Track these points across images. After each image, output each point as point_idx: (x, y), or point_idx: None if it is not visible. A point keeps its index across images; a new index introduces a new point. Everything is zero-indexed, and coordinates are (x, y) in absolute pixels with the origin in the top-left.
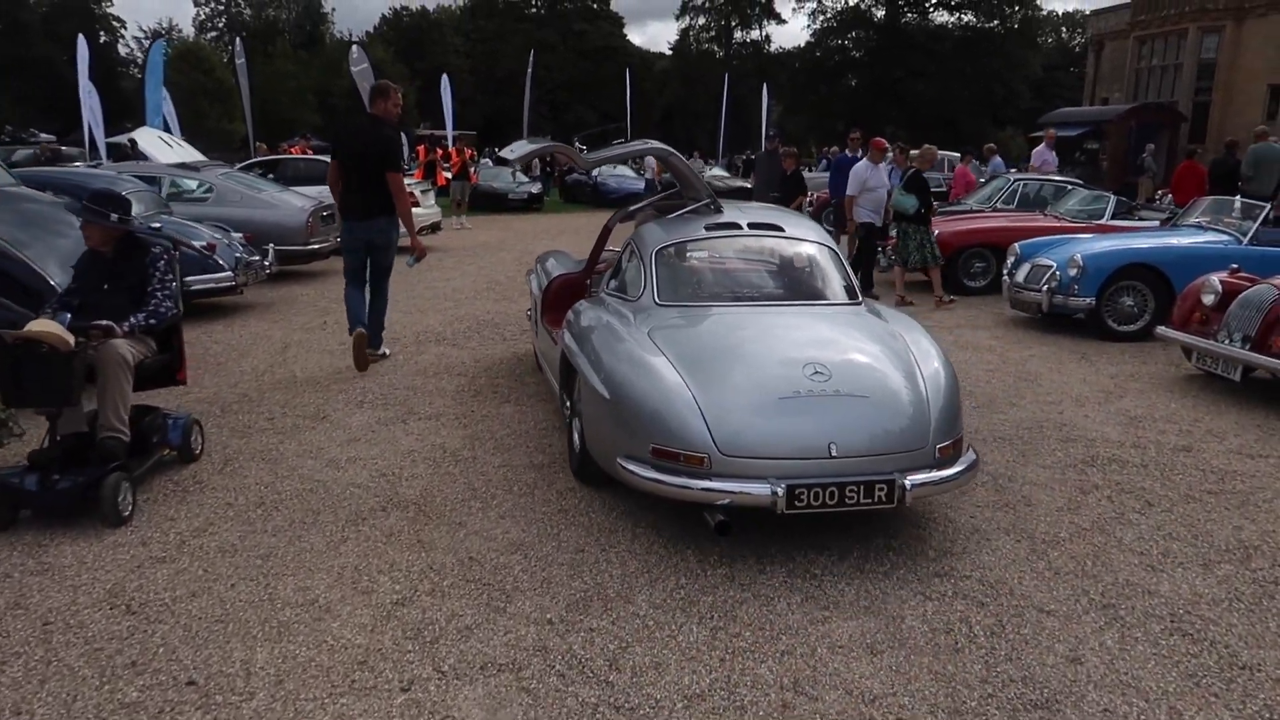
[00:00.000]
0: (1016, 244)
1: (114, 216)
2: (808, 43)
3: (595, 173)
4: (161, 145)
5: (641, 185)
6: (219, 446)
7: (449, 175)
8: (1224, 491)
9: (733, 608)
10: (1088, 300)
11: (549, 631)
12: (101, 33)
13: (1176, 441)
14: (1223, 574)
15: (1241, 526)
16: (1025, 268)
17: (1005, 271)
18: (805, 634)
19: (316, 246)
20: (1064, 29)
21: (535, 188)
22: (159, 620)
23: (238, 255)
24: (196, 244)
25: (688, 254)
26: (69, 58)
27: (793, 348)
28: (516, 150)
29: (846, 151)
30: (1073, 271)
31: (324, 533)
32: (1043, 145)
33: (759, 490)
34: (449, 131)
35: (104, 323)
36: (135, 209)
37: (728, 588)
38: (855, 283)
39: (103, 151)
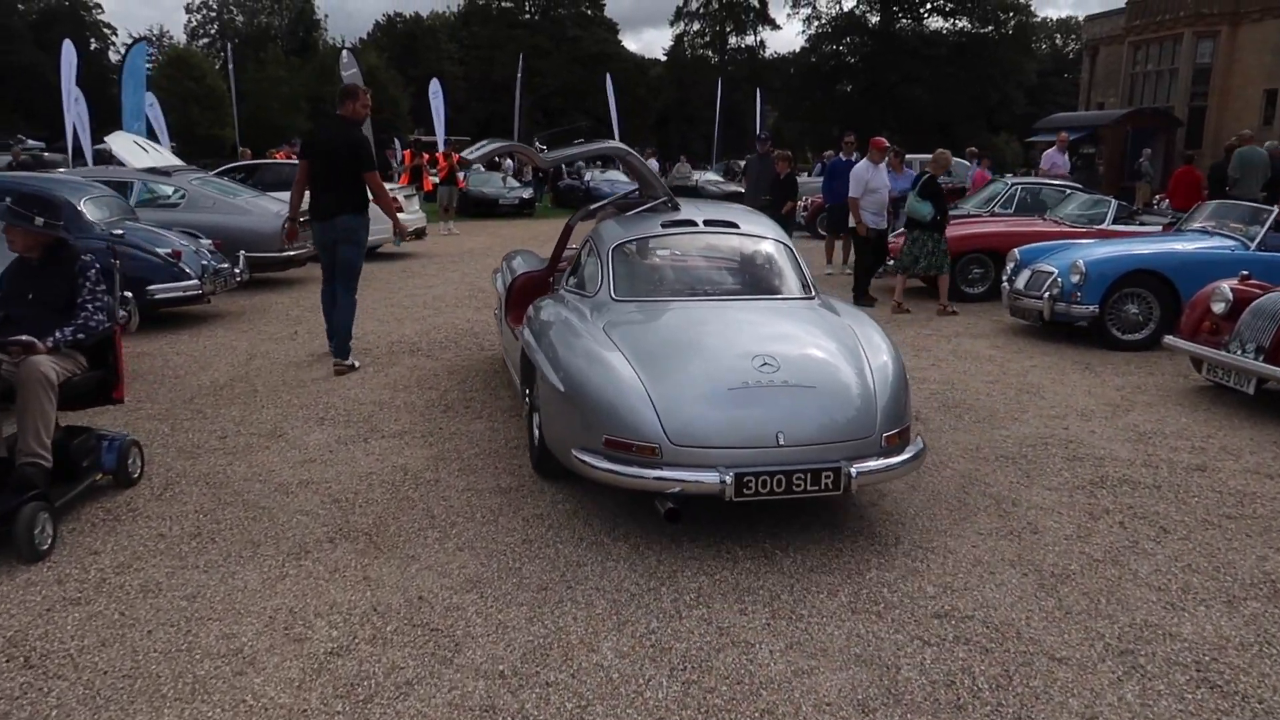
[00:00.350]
0: (1016, 250)
1: (39, 220)
2: (802, 48)
3: (587, 177)
4: (136, 150)
5: (635, 189)
6: (162, 469)
7: (435, 180)
8: (1244, 516)
9: (709, 656)
10: (1091, 308)
11: (500, 687)
12: (92, 39)
13: (1190, 460)
14: (1250, 612)
15: (1266, 556)
16: (1025, 274)
17: (1005, 278)
18: (789, 688)
19: (292, 253)
20: (1058, 35)
21: (526, 193)
22: (59, 675)
23: (204, 263)
24: (161, 251)
25: (644, 250)
26: (57, 64)
27: (743, 341)
28: (477, 150)
29: (840, 155)
30: (1075, 278)
31: (261, 568)
32: (1053, 149)
33: (708, 478)
34: (440, 137)
35: (23, 338)
36: (97, 215)
37: (704, 632)
38: (810, 279)
39: (89, 157)
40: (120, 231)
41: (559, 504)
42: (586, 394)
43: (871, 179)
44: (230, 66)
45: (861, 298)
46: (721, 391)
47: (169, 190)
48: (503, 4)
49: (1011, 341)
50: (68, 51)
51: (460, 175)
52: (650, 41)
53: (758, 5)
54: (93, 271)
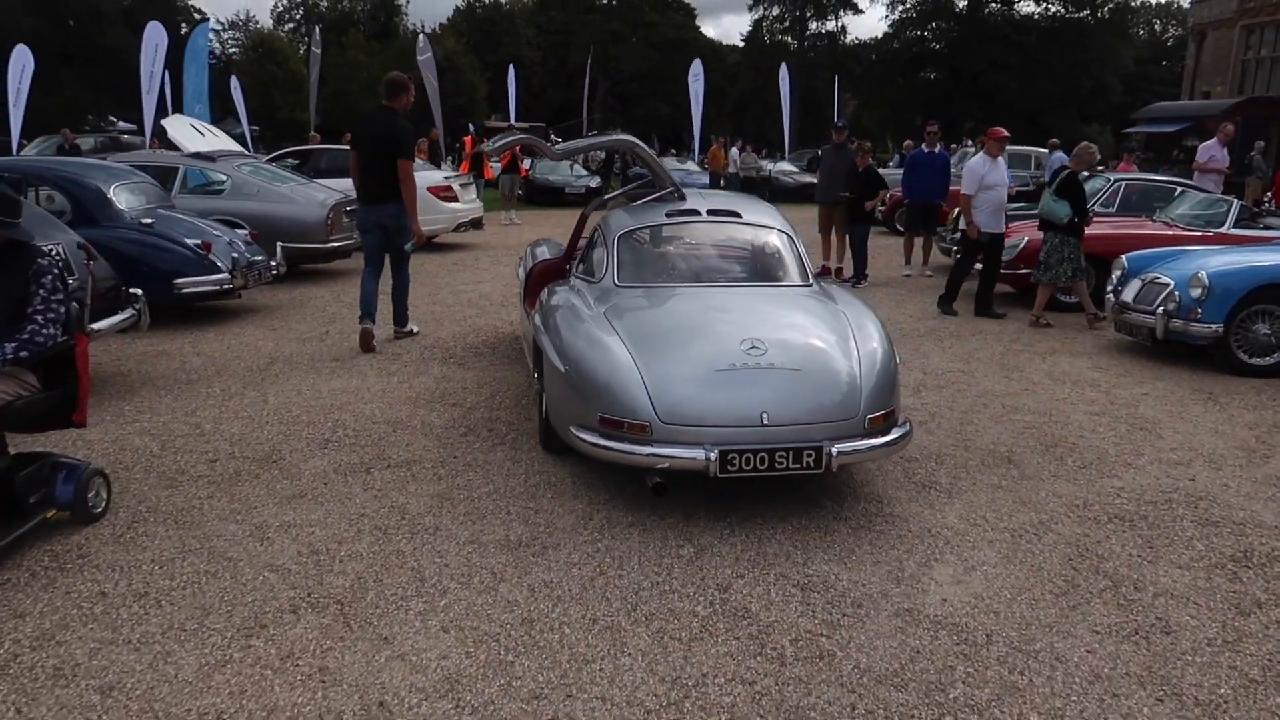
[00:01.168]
0: (1123, 256)
1: None
2: (885, 34)
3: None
4: (192, 134)
5: (706, 180)
6: (133, 500)
7: (497, 168)
8: None
9: None
10: (1214, 327)
11: None
12: (183, 24)
13: None
14: None
15: None
16: (1134, 285)
17: (1109, 288)
18: None
19: (337, 244)
20: (1157, 21)
21: (594, 182)
22: None
23: (235, 255)
24: (190, 242)
25: (648, 239)
26: (154, 48)
27: (735, 325)
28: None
29: (923, 146)
30: (1195, 292)
31: (202, 649)
32: (1213, 141)
33: (695, 455)
34: (512, 123)
35: None
36: (130, 202)
37: None
38: (808, 264)
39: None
40: (150, 220)
41: (574, 567)
42: (584, 374)
43: (989, 175)
44: (317, 50)
45: (948, 305)
46: (710, 373)
47: (215, 176)
48: None
49: (1117, 363)
50: (153, 33)
51: (524, 163)
52: (729, 28)
53: None
54: (48, 278)
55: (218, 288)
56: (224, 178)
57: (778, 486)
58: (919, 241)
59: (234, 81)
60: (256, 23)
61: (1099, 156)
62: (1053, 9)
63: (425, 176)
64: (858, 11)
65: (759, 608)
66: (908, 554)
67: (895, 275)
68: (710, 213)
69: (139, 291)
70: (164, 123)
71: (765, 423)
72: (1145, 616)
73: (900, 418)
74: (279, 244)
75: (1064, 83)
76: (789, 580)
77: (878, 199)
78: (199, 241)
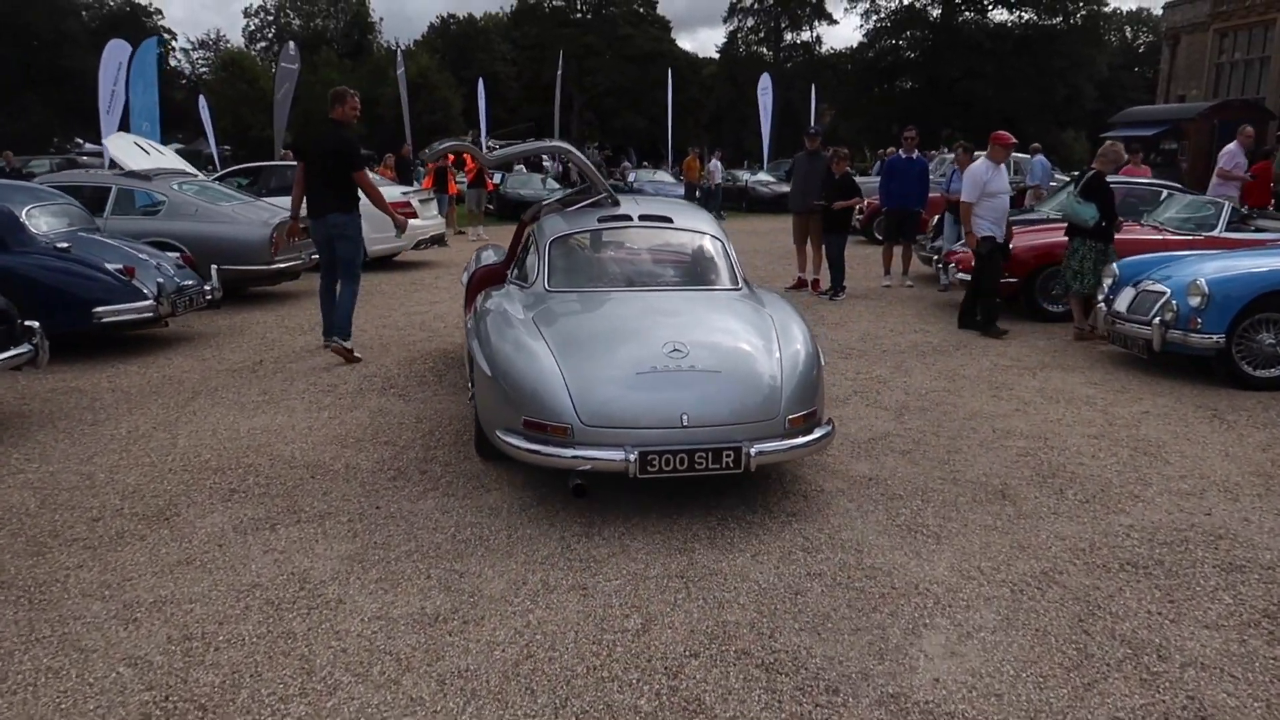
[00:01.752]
0: (1113, 264)
1: None
2: (860, 43)
3: (632, 178)
4: (135, 152)
5: (681, 190)
6: None
7: (462, 183)
8: None
9: None
10: (1216, 338)
11: None
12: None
13: None
14: None
15: None
16: (1127, 293)
17: (1100, 297)
18: None
19: (283, 265)
20: (1128, 27)
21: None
22: None
23: (162, 280)
24: (111, 267)
25: (580, 244)
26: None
27: (659, 329)
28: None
29: (900, 152)
30: (1195, 300)
31: None
32: (1234, 144)
33: (615, 456)
34: (483, 138)
35: None
36: (48, 225)
37: None
38: (739, 269)
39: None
40: (67, 245)
41: (497, 648)
42: (509, 378)
43: (991, 181)
44: (289, 66)
45: (990, 326)
46: (631, 376)
47: (152, 196)
48: (554, 3)
49: (1113, 377)
50: (115, 50)
51: (490, 177)
52: (704, 41)
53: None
54: None
55: (141, 315)
56: (160, 198)
57: (742, 536)
58: (898, 251)
59: (201, 101)
60: (228, 42)
61: (1125, 157)
62: (1026, 16)
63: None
64: (832, 22)
65: (714, 699)
66: (892, 618)
67: (875, 286)
68: (642, 218)
69: (35, 324)
70: (106, 141)
71: (685, 424)
72: (1174, 695)
73: (823, 418)
74: (214, 267)
75: (1039, 89)
76: (751, 659)
77: (851, 202)
78: (120, 266)
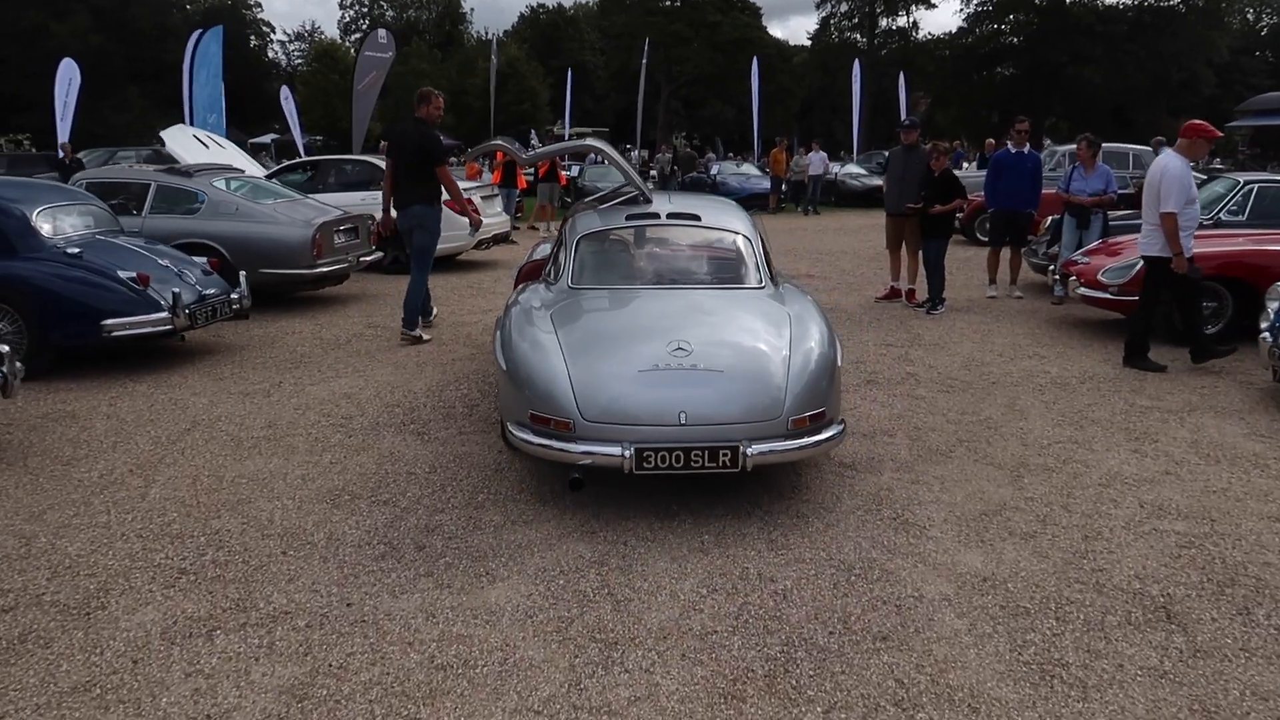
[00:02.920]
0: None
1: None
2: (960, 28)
3: (714, 171)
4: (194, 146)
5: (767, 184)
6: None
7: (531, 178)
8: None
9: None
10: None
11: None
12: (251, 37)
13: None
14: None
15: None
16: None
17: (1264, 324)
18: None
19: (326, 269)
20: (1249, 9)
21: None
22: None
23: (176, 290)
24: (123, 275)
25: (607, 241)
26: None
27: (668, 327)
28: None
29: (1009, 145)
30: None
31: None
32: None
33: (612, 452)
34: (566, 128)
35: None
36: (63, 227)
37: None
38: (766, 268)
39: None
40: (77, 250)
41: None
42: (520, 372)
43: (1193, 184)
44: (381, 55)
45: (1202, 355)
46: (633, 374)
47: (190, 193)
48: None
49: None
50: (206, 42)
51: (566, 170)
52: (795, 28)
53: None
54: None
55: (156, 328)
56: (201, 195)
57: (814, 679)
58: (1006, 257)
59: (284, 92)
60: (322, 34)
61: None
62: None
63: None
64: (930, 6)
65: None
66: None
67: (978, 297)
68: (670, 216)
69: (6, 349)
70: (163, 134)
71: (683, 422)
72: None
73: (835, 417)
74: (242, 274)
75: (1152, 74)
76: None
77: (952, 206)
78: (133, 274)
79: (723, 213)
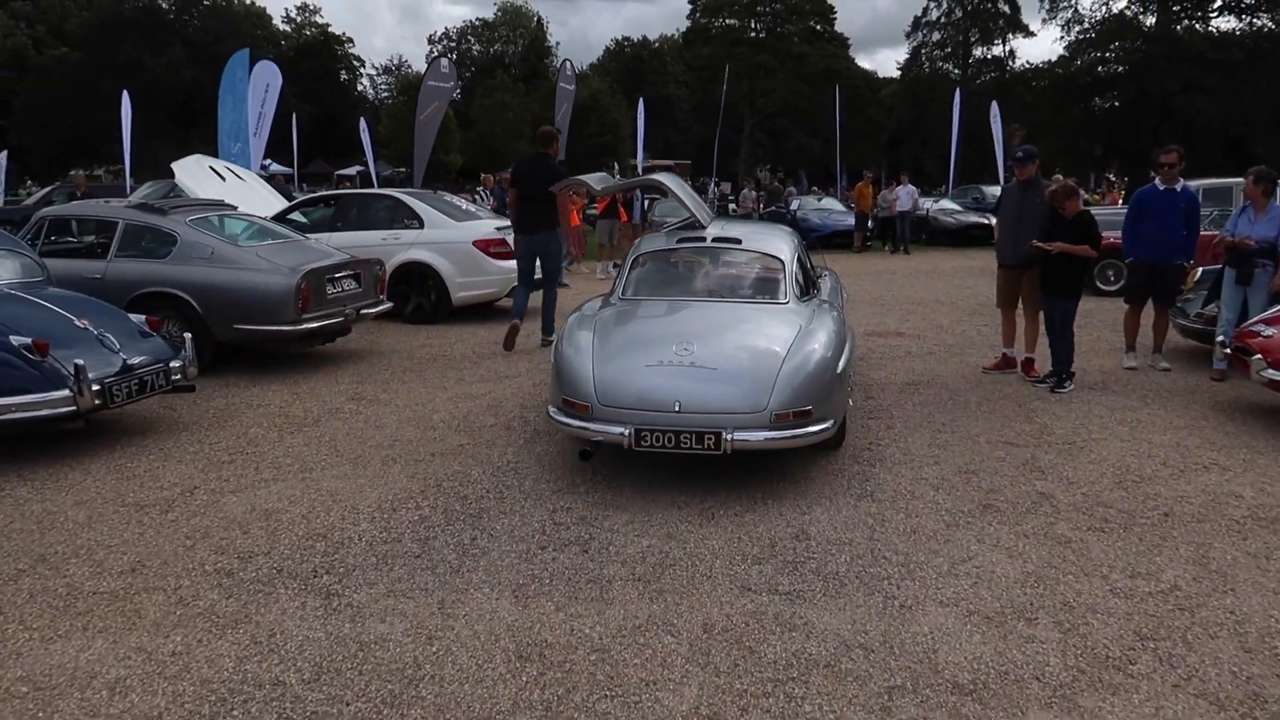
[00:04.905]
0: None
1: None
2: (1060, 56)
3: (795, 206)
4: (208, 178)
5: (851, 220)
6: None
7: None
8: None
9: None
10: None
11: None
12: (342, 71)
13: None
14: None
15: None
16: None
17: None
18: None
19: (314, 325)
20: None
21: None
22: None
23: (79, 362)
24: (16, 341)
25: (658, 261)
26: (265, 87)
27: (681, 332)
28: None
29: (1156, 181)
30: None
31: None
32: None
33: (616, 430)
34: (640, 159)
35: None
36: None
37: None
38: (795, 286)
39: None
40: None
41: None
42: (560, 367)
43: None
44: (452, 82)
45: None
46: (641, 368)
47: (162, 233)
48: (726, 22)
49: None
50: (263, 72)
51: (625, 207)
52: (883, 60)
53: (1008, 10)
54: None
55: (51, 411)
56: (172, 236)
57: None
58: (1148, 317)
59: (362, 124)
60: (409, 67)
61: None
62: (1259, 23)
63: (468, 228)
64: (1029, 34)
65: None
66: None
67: (1111, 368)
68: (715, 239)
69: None
70: (174, 165)
71: (678, 410)
72: None
73: (827, 417)
74: (187, 336)
75: (1273, 104)
76: None
77: (1081, 249)
78: (28, 340)
79: (765, 237)
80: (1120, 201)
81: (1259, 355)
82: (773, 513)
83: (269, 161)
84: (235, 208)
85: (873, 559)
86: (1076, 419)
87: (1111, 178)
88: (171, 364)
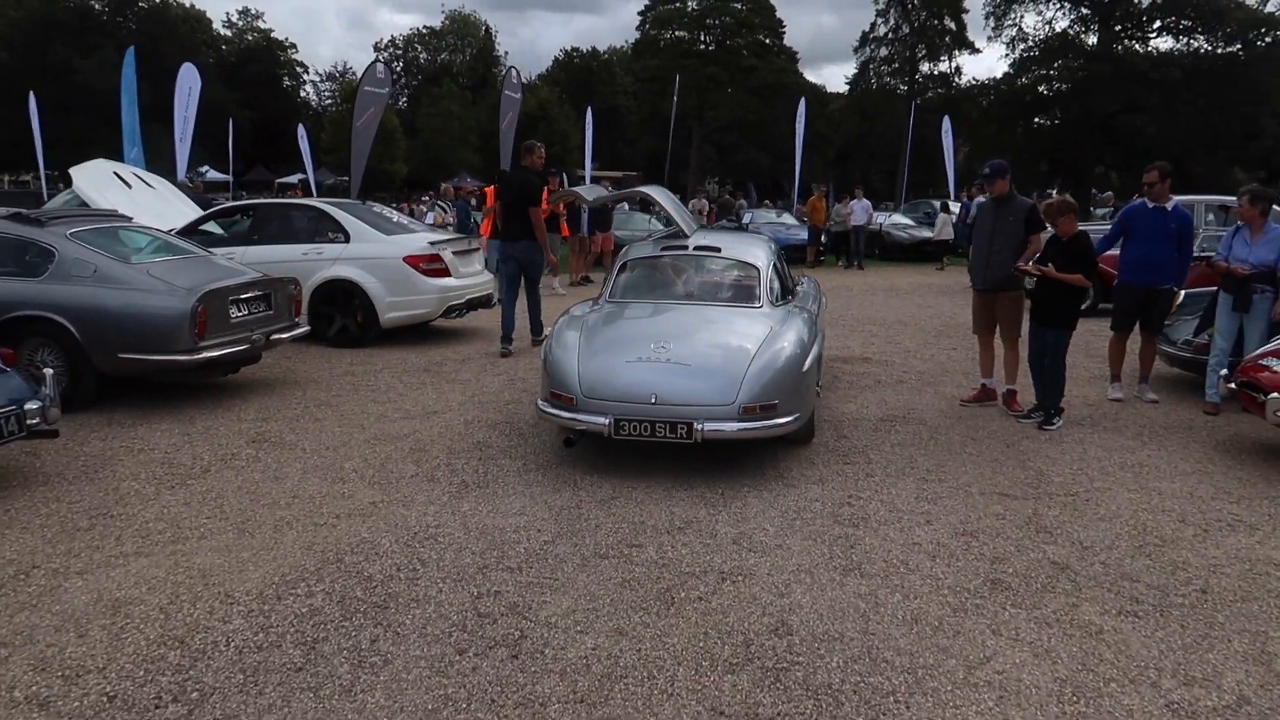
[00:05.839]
0: None
1: None
2: (1005, 74)
3: (747, 220)
4: (111, 184)
5: (804, 234)
6: None
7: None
8: None
9: None
10: None
11: None
12: (285, 78)
13: None
14: None
15: None
16: None
17: None
18: None
19: (214, 354)
20: None
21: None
22: None
23: None
24: None
25: (641, 266)
26: (187, 91)
27: (660, 332)
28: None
29: (1144, 199)
30: None
31: None
32: None
33: (599, 420)
34: (588, 170)
35: None
36: None
37: None
38: (770, 291)
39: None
40: None
41: None
42: (549, 363)
43: None
44: (386, 89)
45: None
46: (621, 364)
47: (40, 248)
48: (676, 34)
49: None
50: (186, 76)
51: (564, 220)
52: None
53: (954, 27)
54: None
55: None
56: (50, 251)
57: None
58: (1134, 344)
59: (300, 131)
60: (353, 74)
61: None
62: (1195, 44)
63: (398, 243)
64: (975, 51)
65: None
66: None
67: (1096, 398)
68: (696, 248)
69: None
70: (73, 171)
71: (654, 402)
72: None
73: (793, 412)
74: (48, 372)
75: (1212, 125)
76: None
77: (1074, 278)
78: None
79: (744, 246)
80: None
81: (1276, 394)
82: (744, 593)
83: (206, 169)
84: (131, 219)
85: (871, 663)
86: (1073, 462)
87: (1054, 194)
88: (27, 405)
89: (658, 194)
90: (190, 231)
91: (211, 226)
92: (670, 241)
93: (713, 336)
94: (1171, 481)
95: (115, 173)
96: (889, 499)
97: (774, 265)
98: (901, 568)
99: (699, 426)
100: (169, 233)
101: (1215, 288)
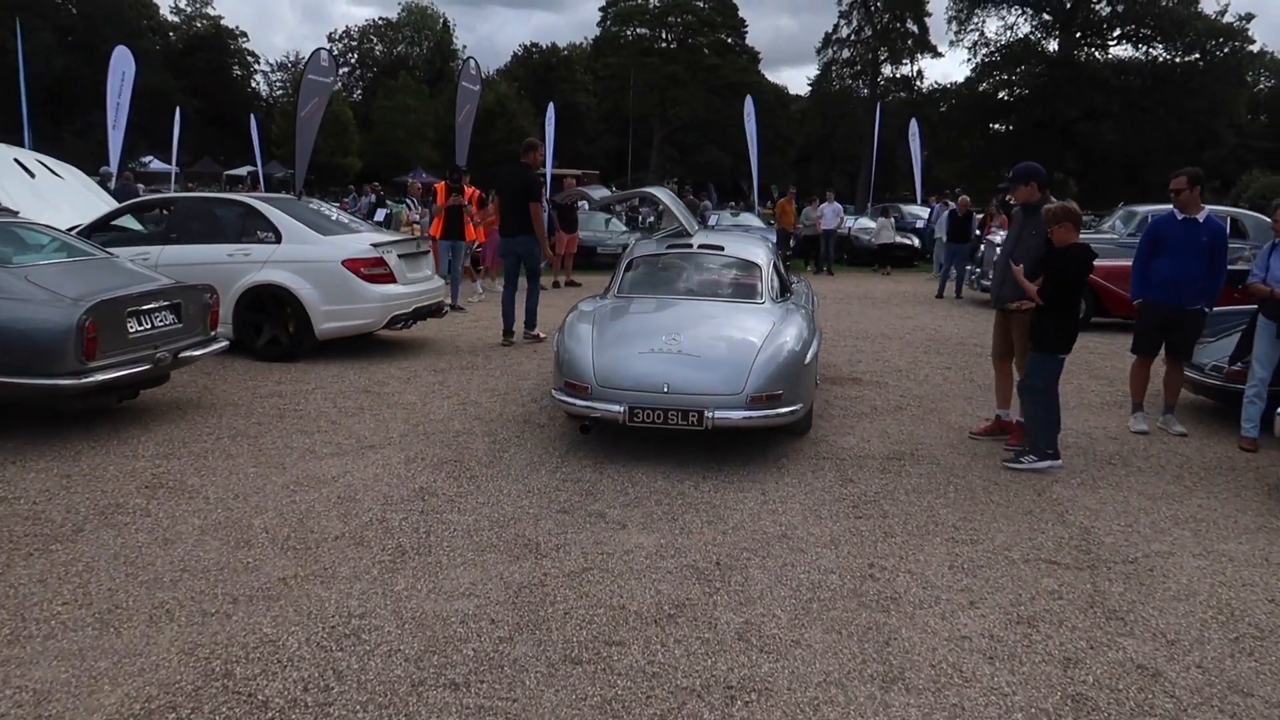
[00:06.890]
0: None
1: None
2: (967, 78)
3: (713, 220)
4: (10, 172)
5: (771, 236)
6: None
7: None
8: None
9: None
10: None
11: None
12: (235, 67)
13: None
14: None
15: None
16: None
17: None
18: None
19: (105, 376)
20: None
21: (633, 239)
22: None
23: None
24: None
25: (647, 263)
26: (120, 76)
27: (670, 325)
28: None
29: (1173, 209)
30: None
31: None
32: None
33: (614, 408)
34: (549, 168)
35: None
36: None
37: None
38: (771, 288)
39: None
40: None
41: None
42: (563, 354)
43: None
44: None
45: None
46: (634, 355)
47: None
48: (637, 31)
49: None
50: (119, 60)
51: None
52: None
53: (917, 31)
54: None
55: None
56: None
57: None
58: (1158, 369)
59: (253, 121)
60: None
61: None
62: (1154, 52)
63: (336, 244)
64: (937, 54)
65: None
66: None
67: (1117, 430)
68: (700, 246)
69: None
70: None
71: (666, 391)
72: None
73: (796, 402)
74: None
75: (1170, 133)
76: None
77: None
78: None
79: (745, 245)
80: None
81: None
82: None
83: (150, 159)
84: (16, 213)
85: None
86: (1117, 515)
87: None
88: None
89: (661, 194)
90: (100, 228)
91: (129, 222)
92: (674, 240)
93: (720, 330)
94: (1239, 543)
95: (16, 159)
96: (918, 570)
97: (774, 264)
98: (955, 676)
99: (710, 414)
100: (70, 231)
101: (1241, 307)
